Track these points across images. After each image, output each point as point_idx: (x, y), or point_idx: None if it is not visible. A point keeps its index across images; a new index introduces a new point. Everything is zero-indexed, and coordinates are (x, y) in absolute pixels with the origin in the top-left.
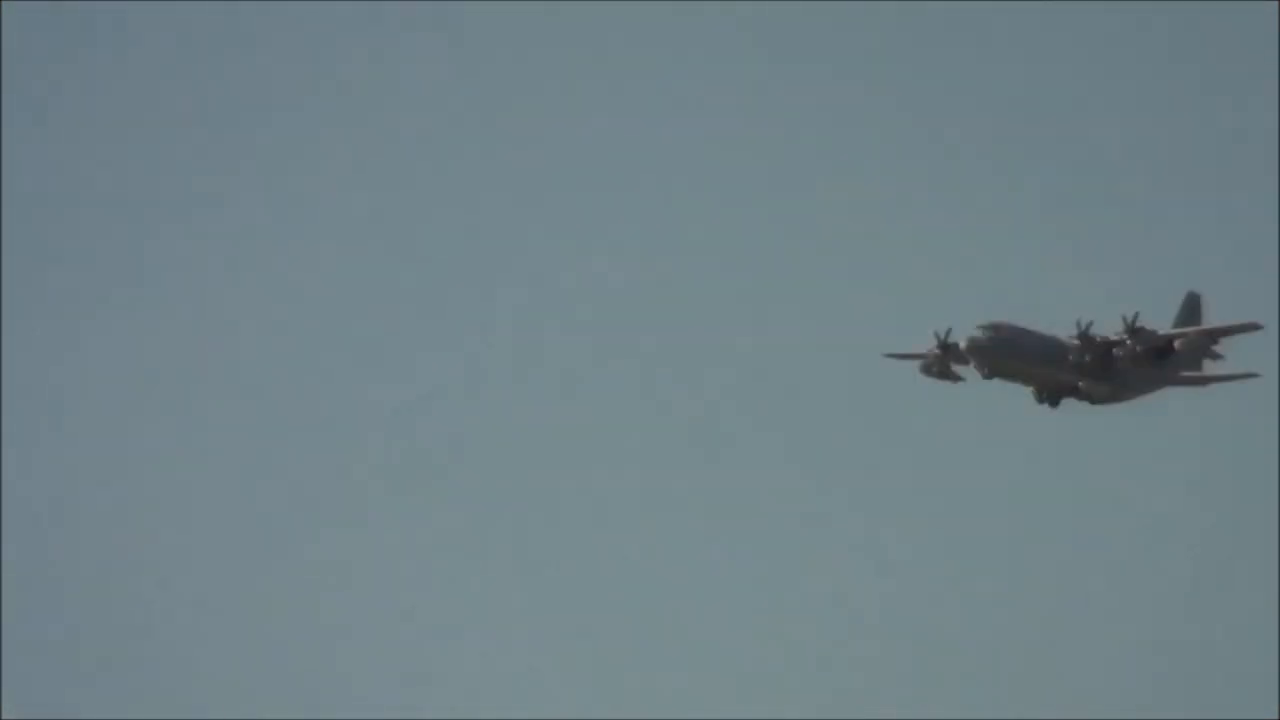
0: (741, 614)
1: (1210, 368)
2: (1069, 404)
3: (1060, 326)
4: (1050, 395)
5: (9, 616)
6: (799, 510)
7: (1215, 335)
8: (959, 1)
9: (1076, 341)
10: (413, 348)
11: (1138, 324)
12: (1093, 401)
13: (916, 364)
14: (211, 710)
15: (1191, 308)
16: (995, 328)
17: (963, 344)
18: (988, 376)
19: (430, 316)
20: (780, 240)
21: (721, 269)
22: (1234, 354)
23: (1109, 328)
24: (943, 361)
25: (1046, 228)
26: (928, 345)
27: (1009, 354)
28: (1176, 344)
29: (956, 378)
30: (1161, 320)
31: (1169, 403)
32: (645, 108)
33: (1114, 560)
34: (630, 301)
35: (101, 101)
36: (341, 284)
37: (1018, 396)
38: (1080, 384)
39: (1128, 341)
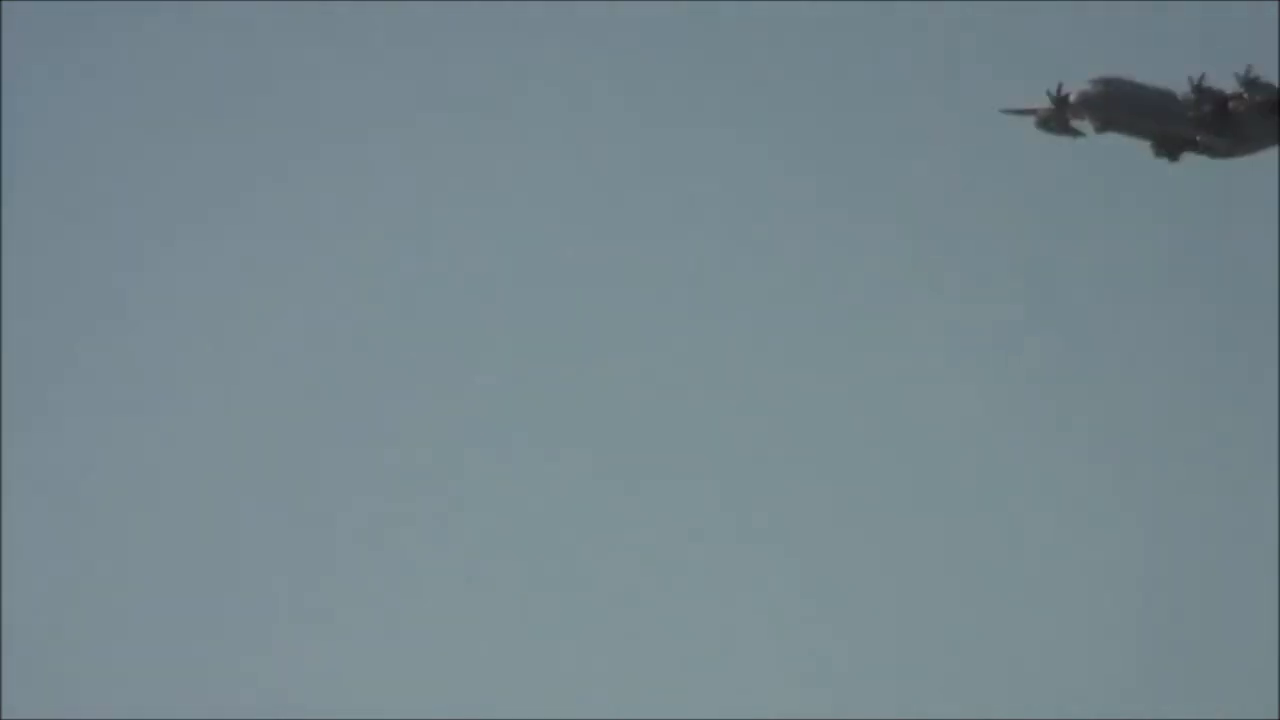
0: None
1: None
2: (1188, 158)
3: (1175, 83)
4: (1169, 149)
5: (9, 616)
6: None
7: None
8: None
9: (1191, 94)
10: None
11: (1253, 75)
12: (1213, 155)
13: (1032, 119)
14: (211, 710)
15: None
16: (1106, 81)
17: (1074, 98)
18: (1100, 130)
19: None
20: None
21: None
22: None
23: (1225, 84)
24: (1058, 116)
25: None
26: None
27: (1121, 107)
28: None
29: (1075, 132)
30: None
31: None
32: None
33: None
34: None
35: (101, 102)
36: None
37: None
38: (1198, 138)
39: (1244, 94)
